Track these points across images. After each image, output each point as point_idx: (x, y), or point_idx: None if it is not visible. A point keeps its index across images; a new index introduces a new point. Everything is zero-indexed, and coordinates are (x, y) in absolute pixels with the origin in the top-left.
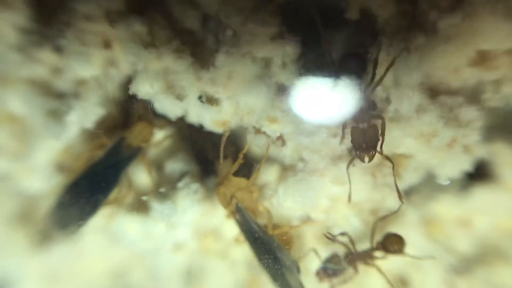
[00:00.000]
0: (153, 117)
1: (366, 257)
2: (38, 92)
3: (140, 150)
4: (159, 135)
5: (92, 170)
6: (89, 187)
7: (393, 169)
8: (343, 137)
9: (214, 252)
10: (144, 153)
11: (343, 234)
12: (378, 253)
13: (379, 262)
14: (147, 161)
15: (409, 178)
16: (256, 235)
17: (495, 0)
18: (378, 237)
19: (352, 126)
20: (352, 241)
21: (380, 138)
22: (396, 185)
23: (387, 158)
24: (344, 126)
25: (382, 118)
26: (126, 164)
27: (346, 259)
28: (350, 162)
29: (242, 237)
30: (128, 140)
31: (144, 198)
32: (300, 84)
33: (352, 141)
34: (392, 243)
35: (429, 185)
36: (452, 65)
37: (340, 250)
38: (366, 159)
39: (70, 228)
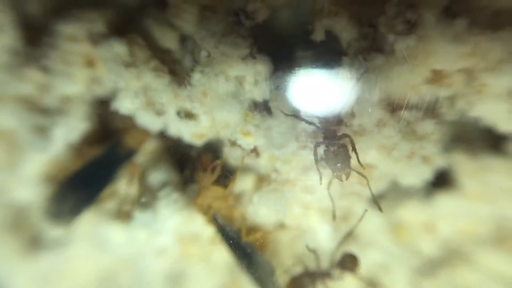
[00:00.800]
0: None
1: (325, 277)
2: (26, 108)
3: (134, 152)
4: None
5: (90, 165)
6: (87, 181)
7: (367, 183)
8: (316, 158)
9: (196, 256)
10: (135, 159)
11: (312, 251)
12: (337, 273)
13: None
14: (137, 167)
15: (374, 186)
16: (234, 241)
17: (444, 26)
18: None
19: (324, 150)
20: (317, 259)
21: (354, 153)
22: (374, 197)
23: (361, 174)
24: (315, 147)
25: (349, 137)
26: (121, 163)
27: (307, 277)
28: (329, 183)
29: (218, 239)
30: (124, 141)
31: (126, 207)
32: (271, 99)
33: (327, 164)
34: (347, 262)
35: (395, 192)
36: (409, 83)
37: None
38: (344, 177)
39: (65, 218)
